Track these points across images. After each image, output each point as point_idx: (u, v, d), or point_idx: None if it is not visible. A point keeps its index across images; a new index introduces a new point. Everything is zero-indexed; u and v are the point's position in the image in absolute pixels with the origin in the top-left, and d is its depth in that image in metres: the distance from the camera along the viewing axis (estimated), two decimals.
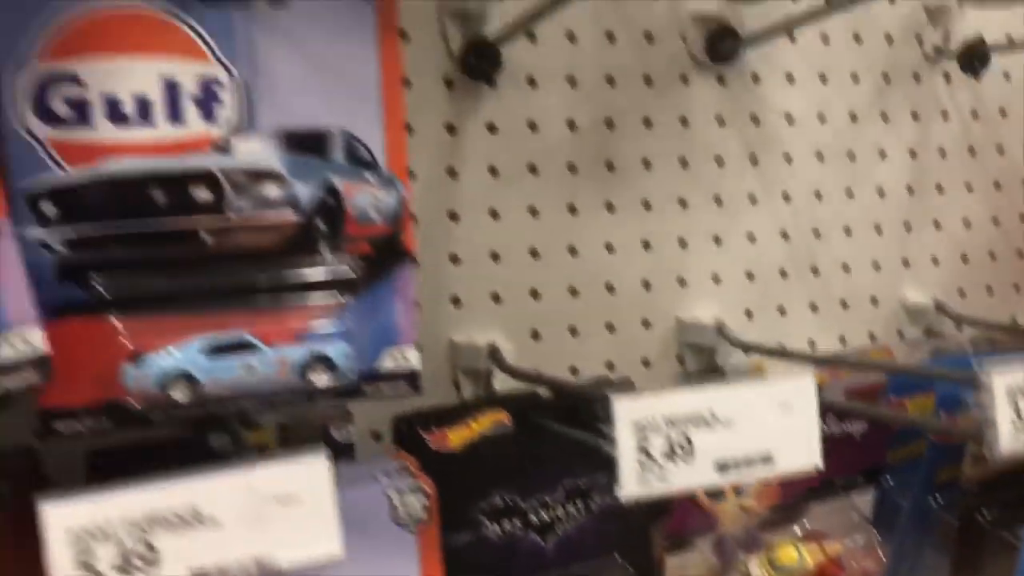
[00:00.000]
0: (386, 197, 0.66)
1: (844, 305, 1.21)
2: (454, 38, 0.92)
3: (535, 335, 1.01)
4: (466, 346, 0.96)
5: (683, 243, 1.08)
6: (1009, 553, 1.05)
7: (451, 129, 0.94)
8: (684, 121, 1.06)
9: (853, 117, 1.17)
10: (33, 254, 0.58)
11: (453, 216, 0.95)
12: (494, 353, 0.94)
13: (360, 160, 0.65)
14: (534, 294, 1.00)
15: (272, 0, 0.61)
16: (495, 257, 0.98)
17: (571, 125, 1.00)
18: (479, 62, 0.92)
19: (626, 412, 0.64)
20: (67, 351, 0.58)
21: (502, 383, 0.96)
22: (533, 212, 0.99)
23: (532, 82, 0.97)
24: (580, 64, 1.00)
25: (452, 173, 0.95)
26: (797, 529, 1.13)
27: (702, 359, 1.11)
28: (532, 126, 0.98)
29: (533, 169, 0.98)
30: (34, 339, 0.55)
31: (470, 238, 0.96)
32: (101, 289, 0.60)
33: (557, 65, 0.98)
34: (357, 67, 0.63)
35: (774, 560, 1.10)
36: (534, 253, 1.00)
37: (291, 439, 0.86)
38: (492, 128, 0.96)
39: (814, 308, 1.19)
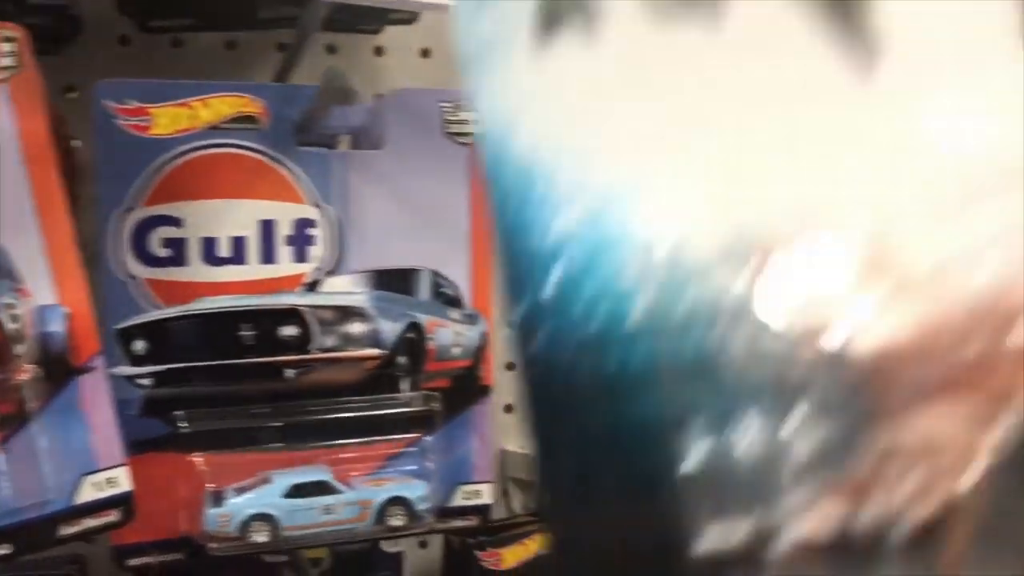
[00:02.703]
0: (468, 332, 0.66)
1: None
2: None
3: None
4: (517, 455, 0.95)
5: None
6: None
7: None
8: None
9: None
10: (122, 391, 0.58)
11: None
12: None
13: (445, 297, 0.65)
14: None
15: (367, 144, 0.62)
16: None
17: None
18: None
19: None
20: (148, 487, 0.57)
21: None
22: None
23: None
24: None
25: None
26: None
27: None
28: None
29: None
30: (121, 480, 0.55)
31: None
32: (185, 424, 0.60)
33: None
34: (448, 207, 0.64)
35: None
36: None
37: (343, 551, 0.86)
38: None
39: None
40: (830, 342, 0.18)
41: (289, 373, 0.61)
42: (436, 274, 0.64)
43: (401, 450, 0.64)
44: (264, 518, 0.59)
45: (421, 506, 0.62)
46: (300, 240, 0.61)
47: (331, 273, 0.62)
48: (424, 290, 0.64)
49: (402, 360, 0.64)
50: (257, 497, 0.59)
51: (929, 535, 0.16)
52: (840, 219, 0.18)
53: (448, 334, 0.65)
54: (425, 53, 0.84)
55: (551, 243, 0.20)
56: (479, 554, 0.83)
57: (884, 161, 0.18)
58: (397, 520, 0.61)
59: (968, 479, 0.16)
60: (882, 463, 0.17)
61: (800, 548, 0.17)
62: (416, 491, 0.62)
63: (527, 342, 0.20)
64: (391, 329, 0.63)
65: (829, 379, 0.17)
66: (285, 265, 0.61)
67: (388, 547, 0.89)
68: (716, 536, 0.18)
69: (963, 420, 0.16)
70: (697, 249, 0.18)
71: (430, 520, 0.63)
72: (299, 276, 0.61)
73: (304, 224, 0.61)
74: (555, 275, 0.19)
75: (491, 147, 0.21)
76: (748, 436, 0.18)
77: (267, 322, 0.61)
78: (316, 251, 0.62)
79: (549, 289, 0.19)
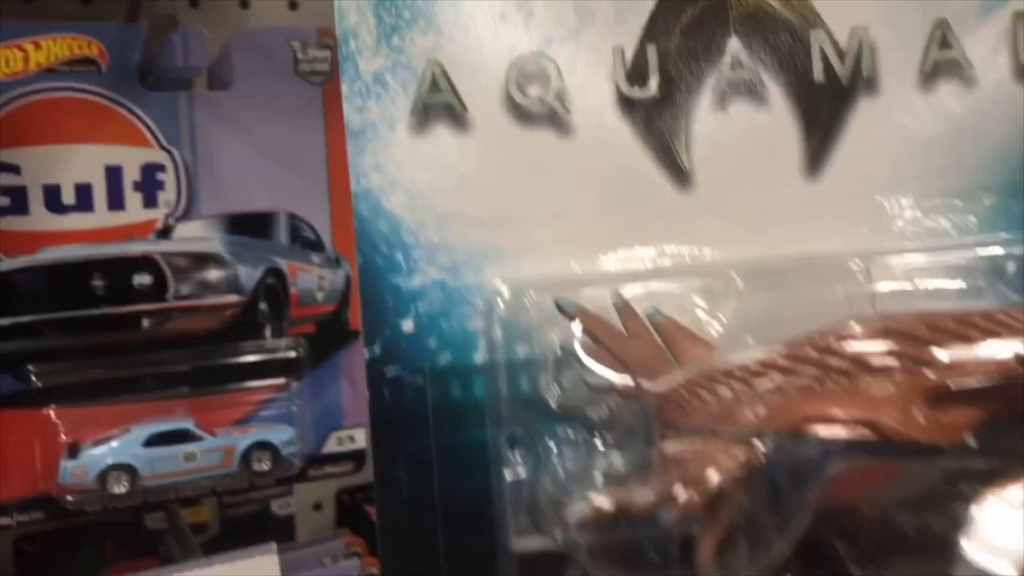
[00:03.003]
0: (332, 276, 0.65)
1: None
2: None
3: None
4: None
5: None
6: None
7: None
8: None
9: None
10: None
11: None
12: None
13: (305, 241, 0.64)
14: None
15: (215, 85, 0.61)
16: None
17: None
18: None
19: None
20: (1, 445, 0.56)
21: None
22: None
23: None
24: None
25: None
26: None
27: None
28: None
29: None
30: None
31: None
32: (36, 379, 0.58)
33: None
34: (303, 149, 0.63)
35: None
36: None
37: (230, 516, 0.84)
38: None
39: None
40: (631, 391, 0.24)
41: (146, 323, 0.60)
42: (294, 217, 0.64)
43: (268, 397, 0.64)
44: (122, 468, 0.58)
45: (287, 450, 0.62)
46: (149, 185, 0.60)
47: (183, 218, 0.61)
48: (282, 234, 0.63)
49: (263, 306, 0.63)
50: (115, 448, 0.58)
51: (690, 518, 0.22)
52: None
53: (311, 279, 0.65)
54: (293, 6, 0.83)
55: (415, 286, 0.26)
56: (369, 507, 0.83)
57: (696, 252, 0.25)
58: (263, 465, 0.61)
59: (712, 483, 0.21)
60: (660, 468, 0.22)
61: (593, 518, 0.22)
62: (281, 436, 0.62)
63: (384, 365, 0.25)
64: (249, 275, 0.62)
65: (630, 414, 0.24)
66: (134, 211, 0.60)
67: (279, 510, 0.88)
68: (534, 539, 0.24)
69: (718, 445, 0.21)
70: (532, 309, 0.25)
71: (298, 464, 0.62)
72: (150, 223, 0.60)
73: (152, 169, 0.60)
74: (415, 313, 0.25)
75: (367, 201, 0.27)
76: (566, 454, 0.24)
77: (119, 271, 0.59)
78: (166, 196, 0.60)
79: (409, 323, 0.26)
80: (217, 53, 0.63)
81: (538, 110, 0.26)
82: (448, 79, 0.26)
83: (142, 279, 0.59)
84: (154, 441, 0.59)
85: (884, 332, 0.21)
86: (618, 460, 0.24)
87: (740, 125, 0.26)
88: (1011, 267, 0.25)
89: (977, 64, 0.26)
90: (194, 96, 0.61)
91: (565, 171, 0.26)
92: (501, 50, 0.26)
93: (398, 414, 0.25)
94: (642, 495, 0.22)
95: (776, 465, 0.21)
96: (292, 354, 0.64)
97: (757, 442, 0.21)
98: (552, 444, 0.25)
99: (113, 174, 0.59)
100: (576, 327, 0.25)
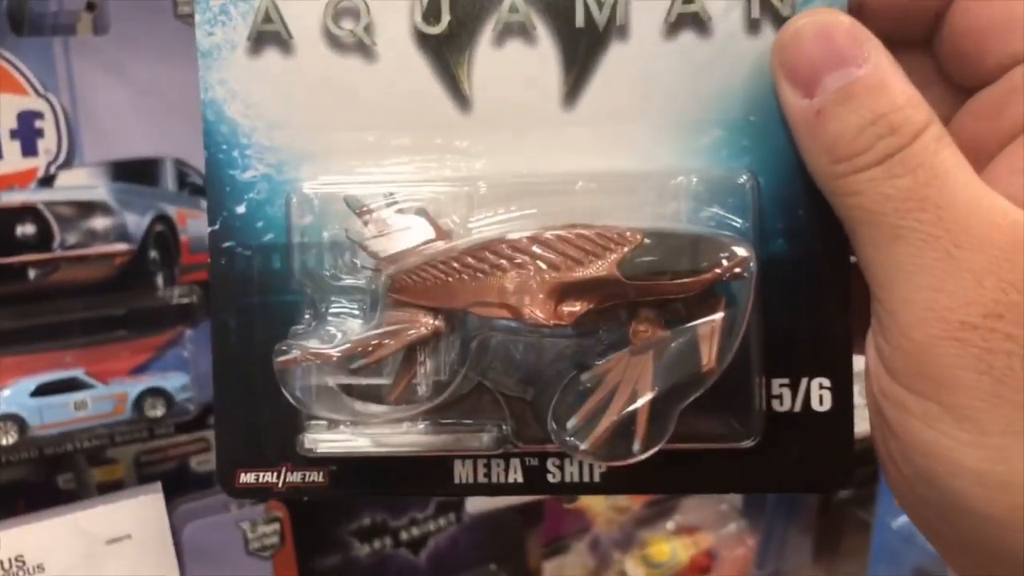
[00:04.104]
0: None
1: None
2: None
3: None
4: None
5: None
6: (864, 530, 1.11)
7: None
8: None
9: None
10: None
11: None
12: None
13: (193, 187, 0.64)
14: None
15: (93, 30, 0.60)
16: None
17: None
18: None
19: None
20: None
21: None
22: None
23: None
24: None
25: None
26: (671, 524, 1.16)
27: None
28: None
29: None
30: None
31: None
32: None
33: None
34: (187, 94, 0.62)
35: (648, 557, 1.13)
36: None
37: (147, 473, 0.84)
38: None
39: None
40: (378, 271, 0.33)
41: (32, 273, 0.59)
42: (181, 163, 0.63)
43: (163, 345, 0.63)
44: (9, 418, 0.57)
45: (182, 396, 0.62)
46: (27, 133, 0.59)
47: (65, 166, 0.60)
48: (169, 180, 0.63)
49: (153, 254, 0.62)
50: (1, 398, 0.58)
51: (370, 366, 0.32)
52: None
53: (201, 225, 0.64)
54: None
55: (247, 178, 0.32)
56: None
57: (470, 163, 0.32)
58: (156, 411, 0.61)
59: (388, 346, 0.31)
60: (371, 330, 0.32)
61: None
62: (175, 382, 0.62)
63: (222, 242, 0.32)
64: (137, 223, 0.62)
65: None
66: (13, 160, 0.59)
67: (197, 466, 0.88)
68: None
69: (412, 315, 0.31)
70: (339, 201, 0.31)
71: (193, 410, 0.62)
72: (31, 171, 0.59)
73: (30, 116, 0.59)
74: (247, 200, 0.32)
75: (213, 108, 0.32)
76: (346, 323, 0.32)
77: (2, 222, 0.58)
78: (46, 144, 0.59)
79: (242, 208, 0.32)
80: None
81: (349, 40, 0.32)
82: (279, 11, 0.32)
83: (25, 229, 0.59)
84: (42, 391, 0.58)
85: (532, 240, 0.29)
86: (355, 325, 0.32)
87: (513, 60, 0.32)
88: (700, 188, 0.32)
89: (715, 17, 0.31)
90: (70, 42, 0.60)
91: (369, 92, 0.32)
92: None
93: (231, 277, 0.33)
94: (342, 349, 0.30)
95: (456, 332, 0.30)
96: (185, 301, 0.64)
97: (439, 316, 0.30)
98: (329, 310, 0.33)
99: None
100: (356, 219, 0.32)
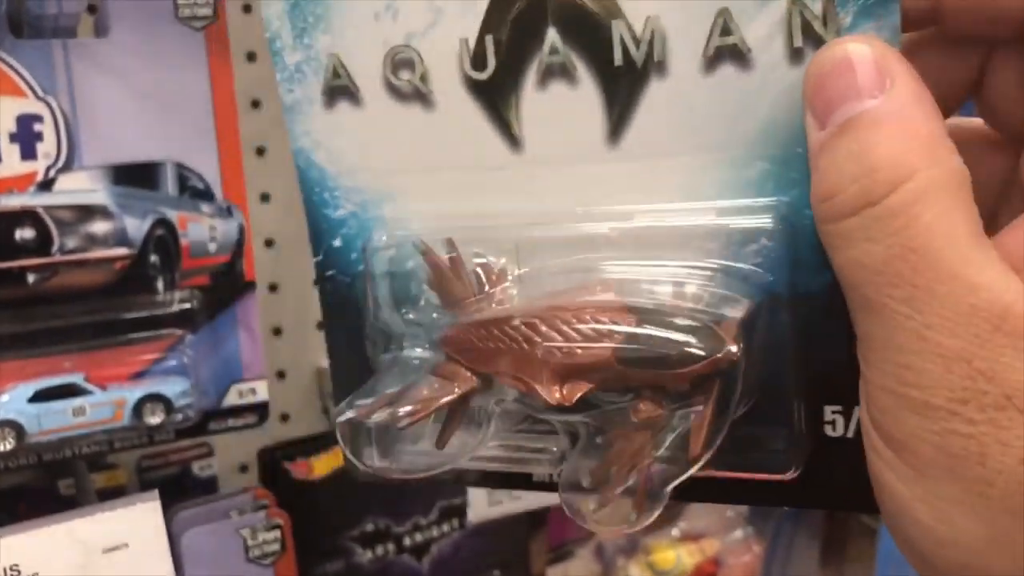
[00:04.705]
0: (224, 226, 0.65)
1: None
2: None
3: None
4: None
5: None
6: (870, 536, 1.10)
7: None
8: None
9: None
10: None
11: None
12: None
13: (194, 191, 0.63)
14: None
15: (94, 33, 0.60)
16: None
17: None
18: None
19: None
20: None
21: None
22: None
23: None
24: None
25: None
26: (676, 530, 1.15)
27: None
28: None
29: None
30: None
31: None
32: None
33: None
34: (188, 96, 0.62)
35: (653, 564, 1.12)
36: None
37: (149, 479, 0.84)
38: None
39: None
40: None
41: (31, 278, 0.59)
42: (181, 167, 0.63)
43: (163, 350, 0.63)
44: (7, 424, 0.57)
45: (181, 402, 0.61)
46: (26, 136, 0.58)
47: (64, 170, 0.59)
48: (170, 184, 0.62)
49: (154, 259, 0.62)
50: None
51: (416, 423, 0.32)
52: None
53: (201, 229, 0.64)
54: None
55: (338, 216, 0.36)
56: (287, 464, 0.83)
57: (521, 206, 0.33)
58: (155, 417, 0.60)
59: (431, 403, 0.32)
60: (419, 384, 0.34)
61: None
62: (175, 388, 0.61)
63: (326, 270, 0.36)
64: (137, 227, 0.61)
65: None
66: (12, 163, 0.58)
67: (200, 472, 0.88)
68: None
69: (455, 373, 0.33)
70: (418, 236, 0.34)
71: (194, 416, 0.62)
72: (30, 175, 0.59)
73: (29, 119, 0.58)
74: (340, 234, 0.36)
75: (302, 156, 0.36)
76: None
77: (0, 226, 0.58)
78: (45, 147, 0.59)
79: (338, 242, 0.36)
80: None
81: (408, 89, 0.34)
82: (344, 68, 0.34)
83: (24, 233, 0.58)
84: (40, 396, 0.58)
85: (538, 316, 0.30)
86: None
87: (557, 100, 0.32)
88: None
89: (755, 48, 0.30)
90: (70, 44, 0.59)
91: (430, 136, 0.34)
92: (378, 43, 0.33)
93: (336, 301, 0.36)
94: (390, 407, 0.32)
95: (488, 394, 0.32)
96: (186, 306, 0.63)
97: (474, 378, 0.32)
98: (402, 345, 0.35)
99: None
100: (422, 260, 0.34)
